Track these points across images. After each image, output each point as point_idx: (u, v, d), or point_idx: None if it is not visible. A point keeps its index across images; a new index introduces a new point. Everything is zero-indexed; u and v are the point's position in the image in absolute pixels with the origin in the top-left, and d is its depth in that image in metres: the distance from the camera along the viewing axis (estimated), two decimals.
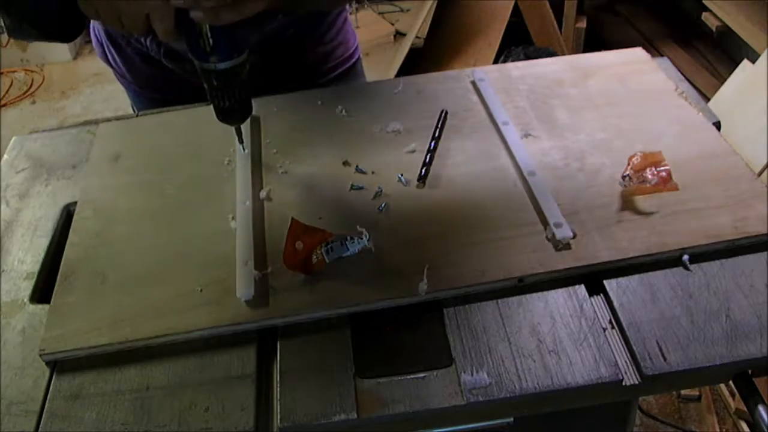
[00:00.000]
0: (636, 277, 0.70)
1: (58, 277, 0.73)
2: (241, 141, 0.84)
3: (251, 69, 0.71)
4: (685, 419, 1.67)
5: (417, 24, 2.70)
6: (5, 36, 3.27)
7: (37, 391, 0.65)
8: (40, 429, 0.62)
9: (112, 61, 1.08)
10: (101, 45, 1.08)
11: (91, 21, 1.06)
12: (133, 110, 1.17)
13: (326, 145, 0.87)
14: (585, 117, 0.89)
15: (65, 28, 0.69)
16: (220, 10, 0.61)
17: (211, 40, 0.65)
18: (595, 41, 2.87)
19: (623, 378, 0.63)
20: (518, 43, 2.53)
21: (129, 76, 1.08)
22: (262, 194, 0.81)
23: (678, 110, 0.89)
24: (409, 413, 0.61)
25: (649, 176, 0.75)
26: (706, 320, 0.66)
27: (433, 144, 0.85)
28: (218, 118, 0.75)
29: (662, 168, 0.76)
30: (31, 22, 0.67)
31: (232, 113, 0.75)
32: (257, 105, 0.93)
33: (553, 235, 0.72)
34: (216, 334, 0.67)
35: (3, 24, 0.67)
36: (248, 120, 0.89)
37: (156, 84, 1.07)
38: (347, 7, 1.14)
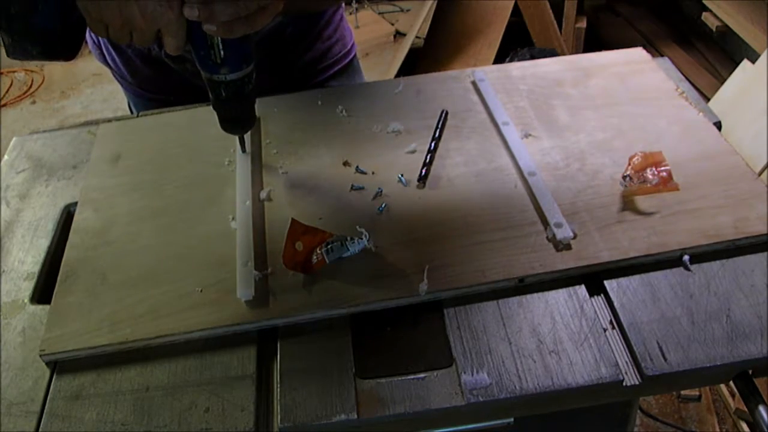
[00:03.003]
0: (636, 277, 0.70)
1: (59, 277, 0.73)
2: (244, 149, 0.84)
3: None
4: (685, 419, 1.67)
5: (417, 24, 2.70)
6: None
7: (38, 391, 0.65)
8: (40, 429, 0.62)
9: (111, 62, 1.08)
10: (99, 47, 1.08)
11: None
12: (131, 110, 1.16)
13: (326, 146, 0.87)
14: (585, 117, 0.89)
15: (67, 45, 0.69)
16: (233, 23, 0.61)
17: (222, 52, 0.65)
18: (595, 41, 2.87)
19: (624, 378, 0.62)
20: (518, 43, 2.53)
21: (129, 77, 1.07)
22: (263, 194, 0.81)
23: (678, 110, 0.89)
24: (410, 413, 0.61)
25: (650, 176, 0.75)
26: (707, 320, 0.66)
27: (433, 144, 0.85)
28: (222, 127, 0.75)
29: (663, 168, 0.75)
30: (33, 41, 0.66)
31: (238, 124, 0.76)
32: (257, 105, 0.93)
33: (554, 235, 0.72)
34: (216, 334, 0.67)
35: (3, 43, 0.67)
36: None
37: (157, 85, 1.07)
38: (343, 4, 1.13)
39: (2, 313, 0.72)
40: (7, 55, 0.67)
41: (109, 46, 1.05)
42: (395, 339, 0.67)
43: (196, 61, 0.67)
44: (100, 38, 1.05)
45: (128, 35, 0.64)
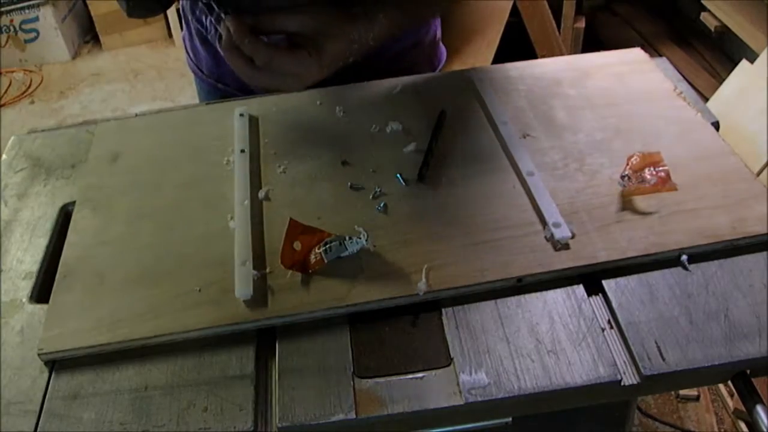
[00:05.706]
0: (635, 277, 0.70)
1: (57, 276, 0.73)
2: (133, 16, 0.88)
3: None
4: (684, 419, 1.67)
5: None
6: (5, 36, 3.26)
7: (36, 390, 0.65)
8: (38, 429, 0.62)
9: (187, 42, 1.09)
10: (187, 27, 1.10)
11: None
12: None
13: (325, 145, 0.87)
14: (584, 117, 0.89)
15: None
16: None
17: None
18: (593, 41, 2.88)
19: (622, 378, 0.63)
20: (517, 42, 2.53)
21: (194, 59, 1.07)
22: (261, 194, 0.81)
23: (676, 110, 0.89)
24: (408, 413, 0.61)
25: (648, 176, 0.75)
26: (705, 320, 0.66)
27: (431, 144, 0.85)
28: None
29: (661, 168, 0.76)
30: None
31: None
32: (258, 104, 0.94)
33: (552, 235, 0.72)
34: (214, 334, 0.67)
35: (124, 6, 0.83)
36: (246, 118, 0.90)
37: (212, 70, 1.06)
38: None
39: (1, 312, 0.72)
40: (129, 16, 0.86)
41: (186, 26, 1.06)
42: (394, 338, 0.67)
43: None
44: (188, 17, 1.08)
45: None
